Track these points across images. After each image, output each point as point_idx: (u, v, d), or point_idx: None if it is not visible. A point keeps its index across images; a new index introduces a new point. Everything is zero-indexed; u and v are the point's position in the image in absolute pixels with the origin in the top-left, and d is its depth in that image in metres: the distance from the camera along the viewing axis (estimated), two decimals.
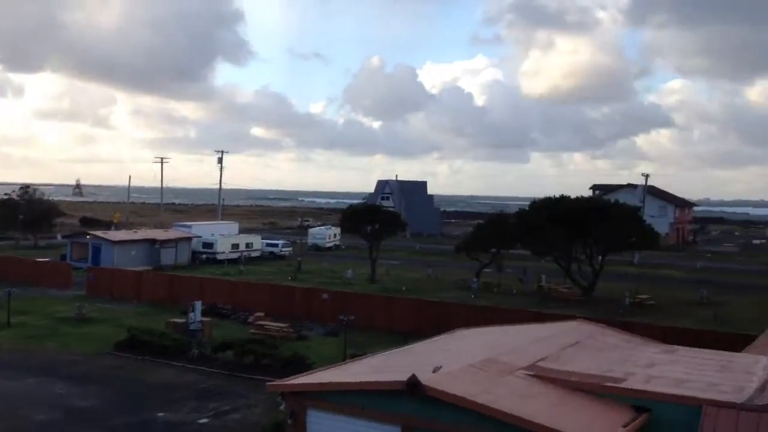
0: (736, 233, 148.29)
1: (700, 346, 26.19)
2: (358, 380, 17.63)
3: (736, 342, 29.27)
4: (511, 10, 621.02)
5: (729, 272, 73.21)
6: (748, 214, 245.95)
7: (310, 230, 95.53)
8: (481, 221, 70.51)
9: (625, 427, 15.64)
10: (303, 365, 27.66)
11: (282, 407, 19.05)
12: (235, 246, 72.65)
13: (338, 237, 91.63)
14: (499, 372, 18.14)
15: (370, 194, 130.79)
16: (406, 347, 23.08)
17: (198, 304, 36.43)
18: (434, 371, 16.93)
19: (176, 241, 68.26)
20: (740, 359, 20.87)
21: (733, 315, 45.66)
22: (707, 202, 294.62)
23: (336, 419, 17.24)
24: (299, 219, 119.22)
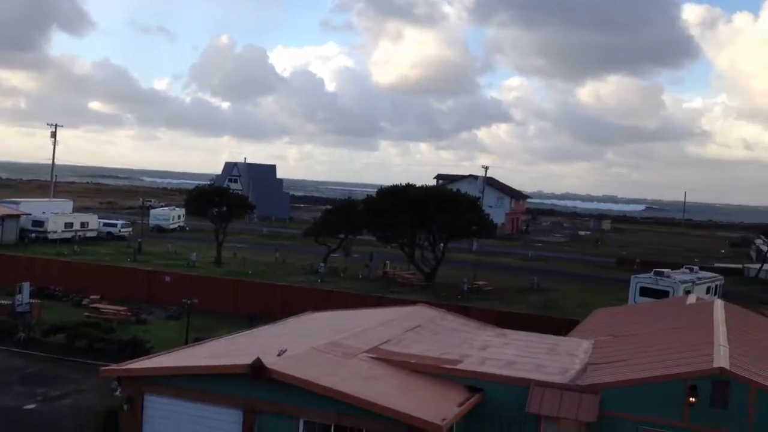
0: (564, 225, 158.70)
1: (530, 330, 27.93)
2: (199, 364, 17.31)
3: (563, 326, 31.49)
4: None
5: (557, 261, 78.36)
6: (576, 207, 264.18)
7: (152, 211, 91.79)
8: (329, 207, 70.92)
9: (459, 406, 16.44)
10: (142, 349, 26.73)
11: (118, 392, 18.31)
12: (69, 225, 68.54)
13: (183, 219, 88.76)
14: (343, 355, 18.44)
15: (218, 176, 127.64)
16: (252, 331, 22.91)
17: (26, 285, 34.17)
18: (279, 354, 16.94)
19: (2, 219, 63.37)
20: (565, 342, 22.46)
21: (561, 301, 48.95)
22: (540, 195, 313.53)
23: (175, 404, 16.82)
24: (140, 199, 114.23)
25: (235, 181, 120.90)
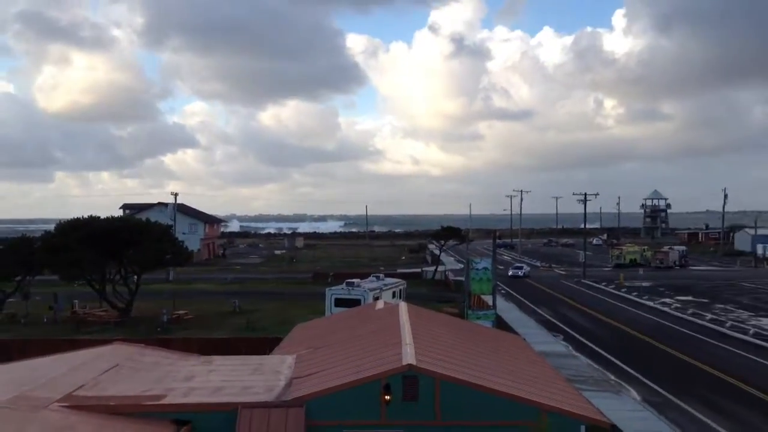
0: (260, 245, 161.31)
1: (235, 353, 27.99)
2: None
3: (266, 345, 32.08)
4: (19, 20, 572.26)
5: (256, 281, 79.35)
6: (269, 227, 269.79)
7: None
8: (1, 247, 63.65)
9: None
10: None
11: None
12: None
13: None
14: (30, 408, 16.78)
15: None
16: None
17: None
18: None
19: None
20: (269, 360, 22.89)
21: (262, 321, 49.66)
22: (233, 218, 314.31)
23: None
24: None
25: None
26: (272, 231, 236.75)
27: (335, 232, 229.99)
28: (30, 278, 54.80)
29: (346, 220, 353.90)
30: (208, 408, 17.60)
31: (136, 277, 54.59)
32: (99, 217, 56.03)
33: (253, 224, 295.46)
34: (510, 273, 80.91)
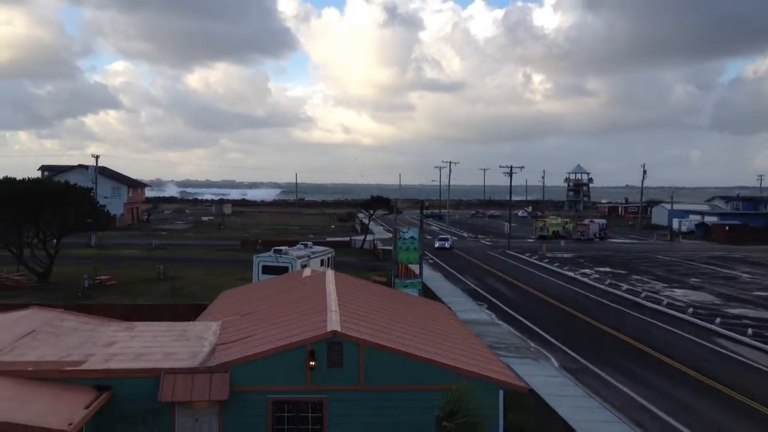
0: (186, 211, 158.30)
1: (160, 320, 27.58)
2: None
3: (192, 311, 31.74)
4: None
5: (182, 248, 78.07)
6: (197, 193, 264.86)
7: None
8: None
9: (87, 408, 15.71)
10: None
11: None
12: None
13: None
14: None
15: None
16: None
17: None
18: None
19: None
20: (194, 327, 22.71)
21: (188, 287, 49.01)
22: (159, 183, 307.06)
23: None
24: None
25: None
26: (199, 197, 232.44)
27: (265, 201, 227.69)
28: None
29: (277, 187, 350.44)
30: (130, 374, 17.42)
31: (55, 241, 52.94)
32: (15, 179, 53.92)
33: (179, 189, 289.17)
34: (436, 245, 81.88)
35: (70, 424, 14.39)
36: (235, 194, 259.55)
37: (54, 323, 22.68)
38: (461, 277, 58.58)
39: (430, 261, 67.12)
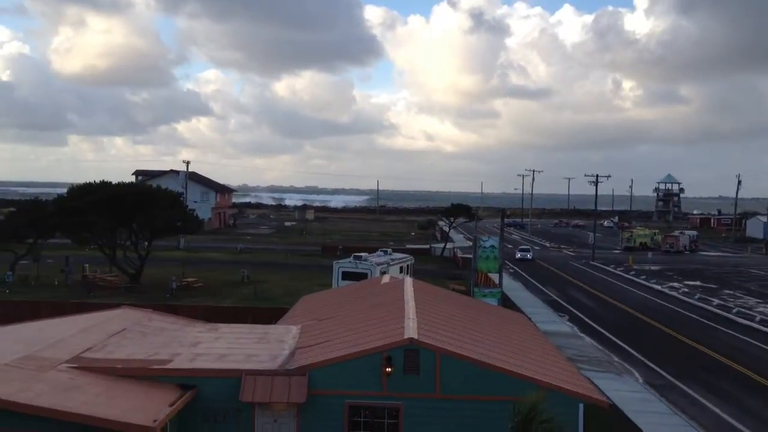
0: (271, 217, 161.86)
1: (242, 322, 28.28)
2: None
3: (273, 315, 32.39)
4: None
5: (266, 252, 79.80)
6: (282, 198, 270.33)
7: None
8: (13, 209, 64.25)
9: (171, 405, 16.25)
10: None
11: None
12: None
13: None
14: (39, 368, 17.13)
15: None
16: None
17: None
18: None
19: None
20: (275, 330, 23.17)
21: (270, 291, 50.02)
22: (245, 188, 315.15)
23: None
24: None
25: None
26: (282, 203, 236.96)
27: (347, 207, 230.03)
28: (42, 241, 55.37)
29: (358, 194, 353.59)
30: (213, 374, 17.91)
31: (146, 243, 55.04)
32: (111, 183, 56.44)
33: (264, 195, 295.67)
34: (518, 256, 78.95)
35: (155, 420, 14.91)
36: (318, 199, 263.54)
37: (143, 323, 23.59)
38: (542, 288, 57.59)
39: (511, 270, 66.30)
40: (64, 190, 59.49)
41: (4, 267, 52.35)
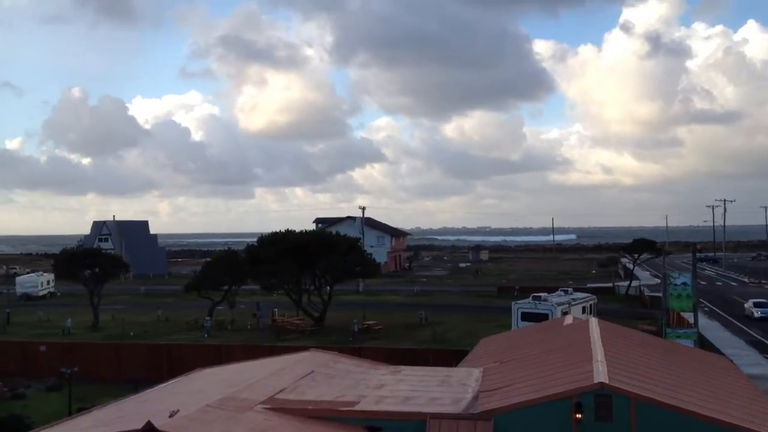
0: (445, 258, 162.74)
1: (421, 364, 28.39)
2: None
3: (452, 357, 32.21)
4: (220, 44, 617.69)
5: (442, 294, 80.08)
6: (455, 240, 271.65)
7: (18, 278, 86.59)
8: (209, 259, 69.46)
9: None
10: (22, 426, 25.04)
11: None
12: None
13: (52, 284, 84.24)
14: (237, 409, 18.06)
15: (86, 236, 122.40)
16: (139, 394, 21.98)
17: None
18: (171, 416, 16.37)
19: None
20: (456, 373, 22.97)
21: (449, 333, 49.99)
22: (418, 231, 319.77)
23: None
24: (4, 267, 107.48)
25: (106, 240, 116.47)
26: (455, 243, 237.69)
27: (519, 245, 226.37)
28: (236, 288, 59.20)
29: (530, 234, 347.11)
30: (398, 416, 17.97)
31: (328, 288, 57.16)
32: (294, 231, 59.51)
33: (438, 236, 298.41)
34: (756, 314, 57.11)
35: None
36: (492, 240, 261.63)
37: (329, 365, 24.30)
38: (743, 327, 52.94)
39: (706, 309, 61.63)
40: (253, 240, 63.43)
41: (203, 313, 56.46)
